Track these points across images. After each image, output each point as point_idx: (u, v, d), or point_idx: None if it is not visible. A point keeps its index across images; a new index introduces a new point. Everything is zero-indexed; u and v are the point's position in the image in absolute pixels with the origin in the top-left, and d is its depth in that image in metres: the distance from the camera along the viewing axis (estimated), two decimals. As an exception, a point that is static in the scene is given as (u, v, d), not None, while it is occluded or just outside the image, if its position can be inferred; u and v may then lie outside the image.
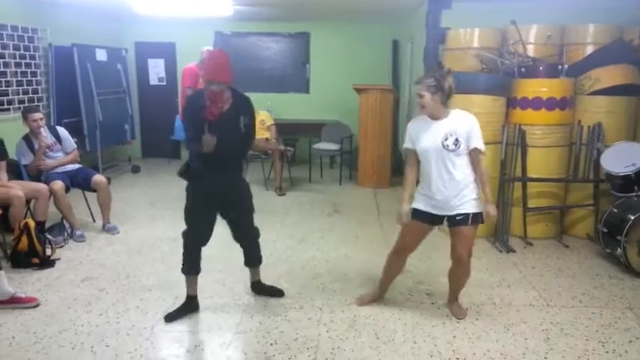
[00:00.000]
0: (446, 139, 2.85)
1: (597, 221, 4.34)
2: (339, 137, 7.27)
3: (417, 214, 3.04)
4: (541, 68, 4.70)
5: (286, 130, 7.62)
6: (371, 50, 8.29)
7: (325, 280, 3.80)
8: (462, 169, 2.89)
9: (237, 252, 3.42)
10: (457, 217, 2.93)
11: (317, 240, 4.69)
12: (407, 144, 3.07)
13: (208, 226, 3.12)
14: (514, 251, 4.39)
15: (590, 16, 5.03)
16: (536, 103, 4.54)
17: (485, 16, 5.28)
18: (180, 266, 3.20)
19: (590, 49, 4.87)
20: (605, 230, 4.07)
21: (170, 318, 3.14)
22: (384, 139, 6.73)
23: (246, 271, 3.50)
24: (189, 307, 3.23)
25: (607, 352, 2.86)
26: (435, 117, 2.91)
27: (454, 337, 3.00)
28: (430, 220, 3.03)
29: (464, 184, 2.89)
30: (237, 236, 3.28)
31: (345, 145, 7.17)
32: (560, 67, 4.67)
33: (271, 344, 2.90)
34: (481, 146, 2.87)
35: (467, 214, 2.92)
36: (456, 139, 2.84)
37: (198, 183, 3.05)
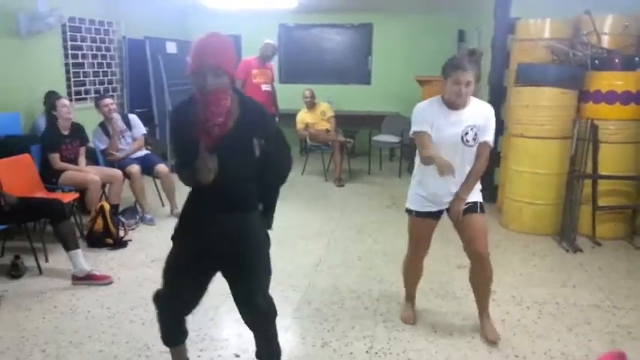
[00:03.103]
0: (466, 134, 2.62)
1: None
2: (399, 129, 7.22)
3: (418, 213, 2.81)
4: (616, 60, 4.46)
5: (346, 121, 7.66)
6: (435, 41, 8.12)
7: (382, 271, 3.81)
8: (472, 161, 2.70)
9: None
10: (466, 205, 2.71)
11: (374, 232, 4.71)
12: (421, 127, 2.66)
13: (194, 292, 2.17)
14: (581, 251, 4.22)
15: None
16: (610, 97, 4.33)
17: (557, 5, 5.06)
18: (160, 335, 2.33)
19: (671, 40, 4.58)
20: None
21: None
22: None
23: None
24: None
25: (679, 359, 2.73)
26: (455, 105, 2.63)
27: (514, 334, 2.95)
28: (435, 214, 2.81)
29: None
30: (240, 309, 2.15)
31: (405, 137, 7.10)
32: (637, 58, 4.42)
33: (328, 331, 2.97)
34: (492, 141, 2.67)
35: (476, 202, 2.73)
36: (476, 134, 2.63)
37: (190, 227, 2.08)
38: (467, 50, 2.56)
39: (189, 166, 1.91)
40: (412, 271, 3.04)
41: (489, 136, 2.66)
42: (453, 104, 2.62)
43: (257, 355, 2.28)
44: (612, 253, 4.22)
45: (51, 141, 4.49)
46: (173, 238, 2.13)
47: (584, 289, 3.54)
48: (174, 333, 2.31)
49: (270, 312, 2.17)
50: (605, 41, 4.70)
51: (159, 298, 2.20)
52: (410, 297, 3.14)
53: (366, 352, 2.76)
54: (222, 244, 2.03)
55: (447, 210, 2.77)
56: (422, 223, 2.83)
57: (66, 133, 4.56)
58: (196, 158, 1.88)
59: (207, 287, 2.18)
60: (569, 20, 4.91)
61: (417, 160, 2.77)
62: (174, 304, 2.18)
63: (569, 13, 4.89)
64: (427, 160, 2.62)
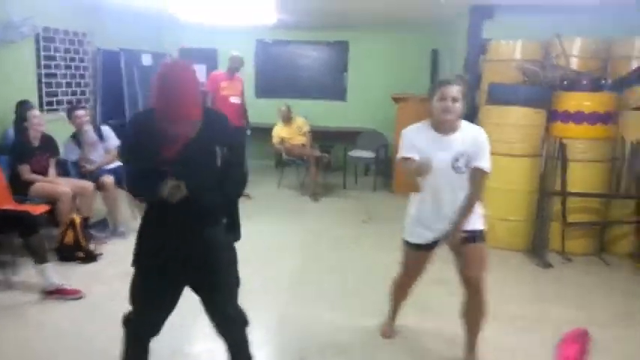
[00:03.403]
0: (457, 160, 2.49)
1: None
2: (374, 145, 7.30)
3: (415, 246, 2.73)
4: (584, 82, 4.63)
5: (322, 137, 7.70)
6: (409, 59, 8.29)
7: (359, 285, 3.82)
8: (466, 187, 2.56)
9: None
10: (465, 234, 2.58)
11: (351, 245, 4.73)
12: (409, 153, 2.52)
13: (163, 313, 2.12)
14: (552, 266, 4.32)
15: (637, 29, 4.92)
16: (578, 117, 4.47)
17: (527, 27, 5.24)
18: None
19: (636, 64, 4.77)
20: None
21: None
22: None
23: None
24: None
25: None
26: (443, 129, 2.51)
27: (487, 349, 2.98)
28: (431, 245, 2.71)
29: None
30: (214, 322, 2.17)
31: (380, 153, 7.18)
32: (603, 81, 4.60)
33: (306, 346, 2.95)
34: (487, 167, 2.52)
35: (474, 231, 2.59)
36: (467, 160, 2.49)
37: (152, 246, 2.03)
38: (453, 75, 2.44)
39: (147, 179, 1.89)
40: (400, 293, 3.00)
41: (484, 162, 2.51)
42: (442, 128, 2.51)
43: None
44: (583, 268, 4.33)
45: (21, 152, 4.39)
46: (134, 262, 2.07)
47: (556, 304, 3.62)
48: (137, 359, 2.23)
49: (241, 321, 2.18)
50: (574, 63, 4.88)
51: (128, 322, 2.16)
52: (392, 316, 3.10)
53: (344, 366, 2.76)
54: (187, 258, 2.00)
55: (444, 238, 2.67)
56: (417, 255, 2.76)
57: (36, 144, 4.47)
58: (155, 173, 1.86)
59: (172, 309, 2.13)
60: (539, 42, 5.09)
61: (412, 194, 2.73)
62: (144, 328, 2.15)
63: (539, 35, 5.07)
64: (409, 177, 2.57)
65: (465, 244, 2.58)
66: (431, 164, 2.33)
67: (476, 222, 2.60)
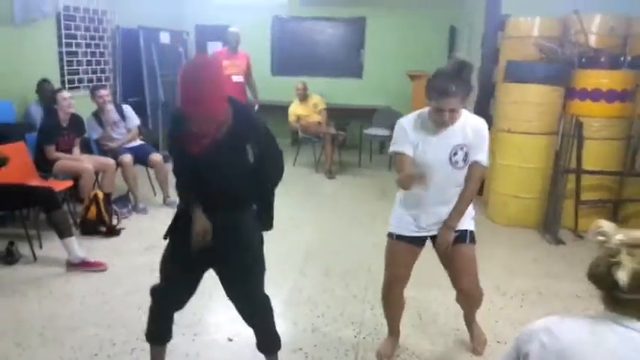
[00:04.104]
0: (455, 154, 2.30)
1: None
2: (389, 123, 7.28)
3: (401, 237, 2.51)
4: (602, 59, 4.57)
5: (338, 114, 7.73)
6: (427, 36, 8.21)
7: (372, 261, 3.90)
8: (462, 183, 2.39)
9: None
10: (455, 234, 2.44)
11: (365, 223, 4.80)
12: (401, 147, 2.33)
13: (188, 287, 2.23)
14: (564, 243, 4.36)
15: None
16: (596, 95, 4.44)
17: (546, 4, 5.16)
18: (145, 331, 2.37)
19: (656, 40, 4.71)
20: (661, 227, 3.98)
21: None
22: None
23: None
24: None
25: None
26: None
27: (496, 322, 3.06)
28: (420, 241, 2.52)
29: None
30: (238, 307, 2.21)
31: (396, 131, 7.19)
32: (622, 58, 4.54)
33: (318, 316, 3.07)
34: (485, 161, 2.34)
35: (465, 231, 2.45)
36: (466, 154, 2.30)
37: (184, 225, 2.10)
38: (456, 63, 2.21)
39: (185, 176, 2.05)
40: (393, 304, 2.67)
41: (482, 155, 2.32)
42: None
43: (258, 346, 2.30)
44: (594, 245, 4.33)
45: (49, 134, 4.52)
46: (167, 234, 2.18)
47: (565, 279, 3.67)
48: (161, 329, 2.32)
49: (267, 309, 2.21)
50: (593, 40, 4.81)
51: (155, 292, 2.25)
52: (391, 331, 2.76)
53: (354, 337, 2.87)
54: (216, 242, 2.06)
55: (432, 238, 2.49)
56: (403, 249, 2.51)
57: (65, 125, 4.61)
58: (190, 173, 2.00)
59: (196, 288, 2.23)
60: (558, 19, 5.02)
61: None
62: (170, 298, 2.24)
63: (558, 11, 5.00)
64: (400, 184, 2.35)
65: (456, 245, 2.43)
66: (428, 178, 2.19)
67: (467, 222, 2.47)
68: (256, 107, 6.48)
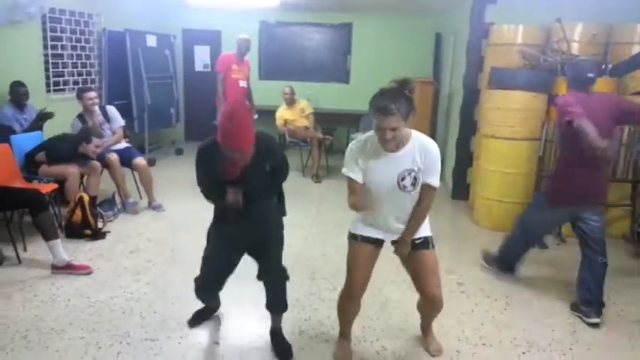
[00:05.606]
0: (402, 179, 2.33)
1: (633, 221, 4.33)
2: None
3: (365, 239, 2.54)
4: (584, 66, 4.66)
5: (325, 119, 7.77)
6: (413, 42, 8.31)
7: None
8: (416, 200, 2.44)
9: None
10: (416, 241, 2.50)
11: (351, 227, 4.82)
12: (351, 172, 2.41)
13: (228, 271, 2.79)
14: (547, 247, 4.42)
15: (638, 15, 4.95)
16: (578, 102, 4.52)
17: (530, 12, 5.26)
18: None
19: (636, 49, 4.81)
20: (641, 231, 4.06)
21: (192, 323, 2.99)
22: (423, 131, 6.71)
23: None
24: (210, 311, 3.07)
25: (632, 348, 2.92)
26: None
27: (482, 324, 3.10)
28: (380, 243, 2.58)
29: None
30: (264, 274, 2.73)
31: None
32: (604, 66, 4.63)
33: (305, 320, 3.08)
34: (436, 183, 2.36)
35: (426, 238, 2.52)
36: (415, 178, 2.33)
37: (224, 225, 2.67)
38: (398, 82, 2.34)
39: (216, 195, 2.54)
40: (349, 308, 2.70)
41: (433, 178, 2.34)
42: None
43: (267, 306, 2.78)
44: (577, 249, 4.38)
45: (60, 155, 4.51)
46: (209, 234, 2.73)
47: (550, 283, 3.73)
48: (210, 300, 3.01)
49: (285, 275, 2.76)
50: (575, 48, 4.91)
51: (198, 282, 2.82)
52: (345, 335, 2.80)
53: (342, 340, 2.88)
54: (251, 232, 2.64)
55: (393, 243, 2.57)
56: (366, 250, 2.54)
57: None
58: (222, 190, 2.48)
59: (235, 268, 2.76)
60: (541, 27, 5.11)
61: None
62: (212, 286, 2.85)
63: (541, 20, 5.10)
64: (351, 207, 2.46)
65: (419, 251, 2.51)
66: (370, 205, 2.41)
67: (424, 229, 2.52)
68: (255, 116, 6.52)
